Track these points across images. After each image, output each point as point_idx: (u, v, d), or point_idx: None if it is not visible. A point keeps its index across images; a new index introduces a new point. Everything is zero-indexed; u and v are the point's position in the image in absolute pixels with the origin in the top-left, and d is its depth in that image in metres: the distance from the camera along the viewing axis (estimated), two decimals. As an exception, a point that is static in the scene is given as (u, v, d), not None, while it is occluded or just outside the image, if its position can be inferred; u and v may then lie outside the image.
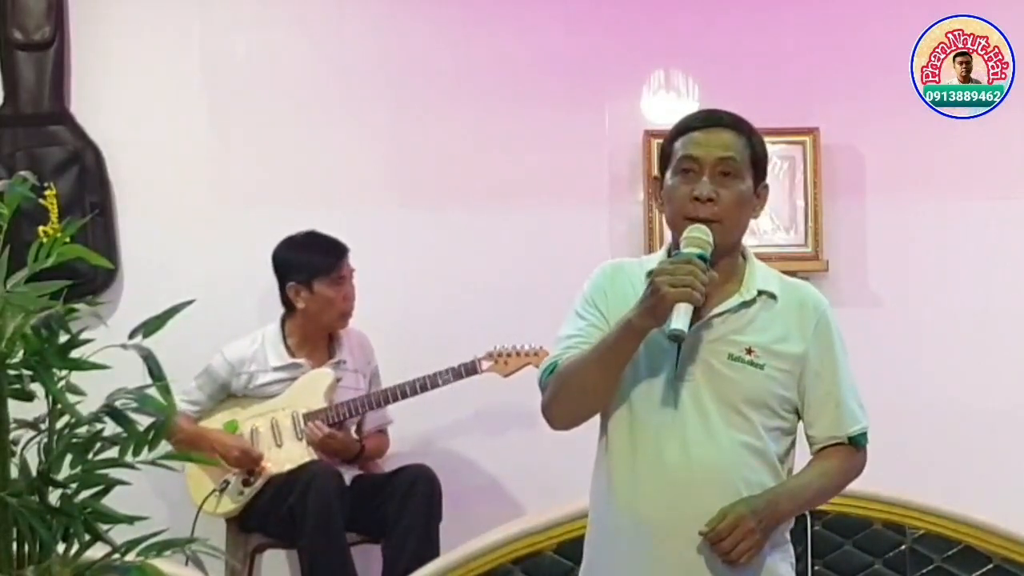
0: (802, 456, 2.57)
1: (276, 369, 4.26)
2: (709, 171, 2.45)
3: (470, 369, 4.25)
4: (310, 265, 4.25)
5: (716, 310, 2.44)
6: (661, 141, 2.63)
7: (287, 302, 4.30)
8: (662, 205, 2.54)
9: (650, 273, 2.43)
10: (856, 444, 2.53)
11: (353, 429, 4.39)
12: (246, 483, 4.18)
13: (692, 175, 2.46)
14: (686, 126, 2.52)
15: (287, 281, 4.27)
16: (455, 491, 4.33)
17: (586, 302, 2.54)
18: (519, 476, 4.59)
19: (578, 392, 2.46)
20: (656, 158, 2.94)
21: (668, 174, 2.50)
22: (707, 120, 2.53)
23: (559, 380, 2.46)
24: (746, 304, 2.47)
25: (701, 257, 2.35)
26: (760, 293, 2.48)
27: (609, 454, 2.50)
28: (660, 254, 2.56)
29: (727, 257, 2.46)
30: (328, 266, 4.25)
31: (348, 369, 4.32)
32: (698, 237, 2.38)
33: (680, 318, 2.30)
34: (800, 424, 2.54)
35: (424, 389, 4.24)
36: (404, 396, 4.26)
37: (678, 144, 2.50)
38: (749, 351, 2.44)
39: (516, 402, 4.42)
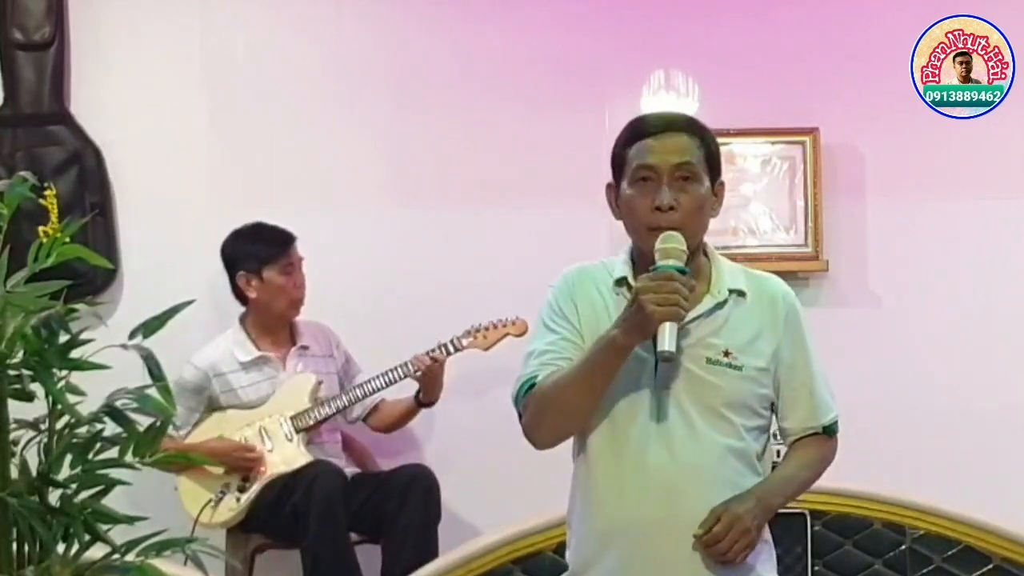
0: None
1: (245, 365, 4.27)
2: (668, 178, 2.40)
3: (450, 348, 4.28)
4: (258, 254, 4.29)
5: (691, 315, 2.39)
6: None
7: (240, 295, 4.33)
8: (619, 214, 2.49)
9: (619, 281, 2.43)
10: (829, 433, 2.54)
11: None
12: (241, 489, 4.17)
13: (650, 184, 2.41)
14: (638, 133, 2.46)
15: (237, 271, 4.30)
16: (454, 491, 4.32)
17: (555, 313, 2.50)
18: (519, 476, 4.57)
19: (562, 413, 2.43)
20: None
21: (624, 184, 2.45)
22: (659, 125, 2.47)
23: (541, 403, 2.42)
24: (719, 305, 2.44)
25: (681, 271, 2.31)
26: (731, 292, 2.46)
27: (590, 465, 2.46)
28: (623, 258, 2.51)
29: (691, 259, 2.41)
30: (276, 254, 4.29)
31: (314, 354, 4.35)
32: (674, 248, 2.34)
33: (668, 338, 2.28)
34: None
35: (406, 375, 4.27)
36: (389, 384, 4.29)
37: (632, 152, 2.44)
38: (726, 353, 2.42)
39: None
